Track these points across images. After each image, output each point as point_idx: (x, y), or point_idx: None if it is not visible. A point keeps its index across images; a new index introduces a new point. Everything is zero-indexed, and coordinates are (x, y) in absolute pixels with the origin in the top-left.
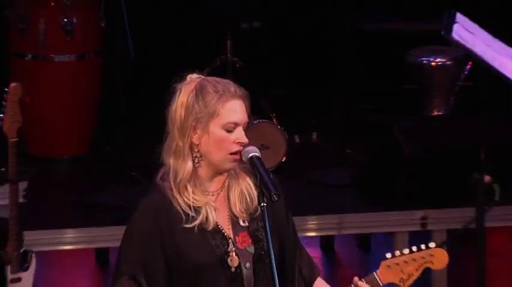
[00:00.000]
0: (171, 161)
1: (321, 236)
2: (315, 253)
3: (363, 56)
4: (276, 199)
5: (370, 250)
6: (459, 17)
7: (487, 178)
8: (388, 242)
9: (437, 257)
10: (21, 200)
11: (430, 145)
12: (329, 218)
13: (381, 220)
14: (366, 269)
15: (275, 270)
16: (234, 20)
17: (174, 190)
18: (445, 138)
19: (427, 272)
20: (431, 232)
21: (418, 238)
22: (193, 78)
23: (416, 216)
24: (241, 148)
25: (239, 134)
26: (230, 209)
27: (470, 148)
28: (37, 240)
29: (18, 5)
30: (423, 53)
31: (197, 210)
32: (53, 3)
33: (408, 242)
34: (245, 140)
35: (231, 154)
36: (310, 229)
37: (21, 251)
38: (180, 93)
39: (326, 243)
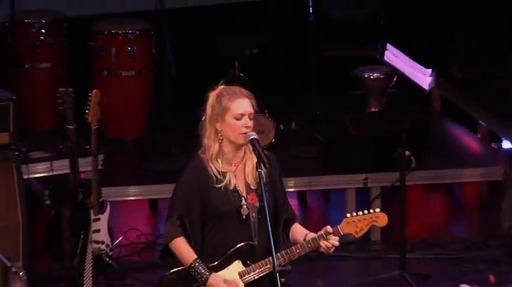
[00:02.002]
0: (205, 141)
1: (297, 191)
2: (293, 202)
3: (325, 73)
4: (268, 166)
5: (329, 200)
6: (389, 46)
7: (407, 153)
8: (341, 195)
9: (380, 218)
10: (99, 167)
11: (369, 130)
12: (302, 179)
13: (337, 180)
14: (327, 213)
15: (267, 215)
16: (240, 49)
17: (209, 160)
18: (379, 125)
19: None
20: (370, 188)
21: (361, 192)
22: (216, 89)
23: (360, 178)
24: (248, 129)
25: (245, 121)
26: (245, 177)
27: (396, 132)
28: (110, 193)
29: (98, 39)
30: (365, 69)
31: (223, 175)
32: (120, 37)
33: (355, 195)
34: (250, 124)
35: (241, 133)
36: (290, 186)
37: (100, 200)
38: (209, 99)
39: (300, 196)
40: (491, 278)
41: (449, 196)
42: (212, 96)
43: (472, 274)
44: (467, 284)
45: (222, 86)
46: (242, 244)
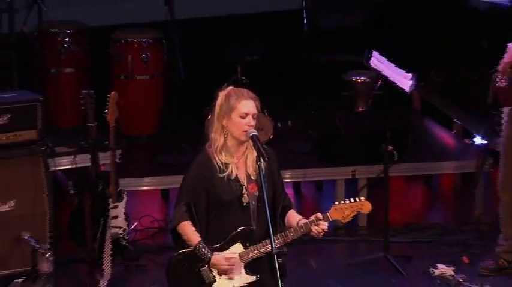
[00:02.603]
0: (212, 136)
1: (293, 182)
2: (289, 192)
3: (318, 77)
4: (267, 160)
5: (321, 190)
6: (374, 53)
7: (390, 148)
8: (332, 185)
9: (365, 206)
10: (117, 160)
11: (357, 128)
12: (298, 171)
13: (328, 172)
14: (319, 201)
15: (266, 203)
16: (242, 55)
17: (214, 152)
18: (366, 123)
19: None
20: (358, 179)
21: (350, 183)
22: (225, 89)
23: (348, 170)
24: (250, 128)
25: (249, 120)
26: (246, 168)
27: (380, 129)
28: (126, 184)
29: (116, 47)
30: (353, 74)
31: (227, 166)
32: (136, 45)
33: (344, 186)
34: (253, 123)
35: (244, 131)
36: (286, 177)
37: (117, 190)
38: (218, 97)
39: (296, 186)
40: (465, 259)
41: (428, 186)
42: (221, 95)
43: (448, 256)
44: (444, 264)
45: (231, 87)
46: (242, 228)
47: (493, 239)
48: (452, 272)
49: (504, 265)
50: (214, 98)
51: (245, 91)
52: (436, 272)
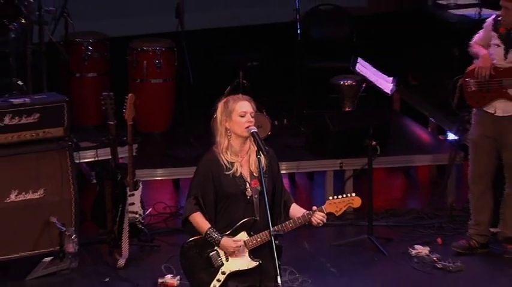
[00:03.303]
0: (217, 138)
1: (288, 173)
2: (285, 181)
3: (309, 81)
4: (265, 153)
5: (313, 180)
6: (359, 59)
7: (373, 143)
8: (322, 176)
9: (356, 201)
10: (134, 154)
11: (344, 125)
12: (292, 163)
13: (319, 164)
14: (311, 190)
15: (266, 197)
16: (243, 62)
17: (220, 153)
18: (352, 121)
19: None
20: (345, 170)
21: (338, 173)
22: (222, 99)
23: (337, 162)
24: (250, 124)
25: (247, 118)
26: (249, 166)
27: (364, 126)
28: (142, 174)
29: (133, 54)
30: (340, 78)
31: (232, 165)
32: (150, 53)
33: (333, 176)
34: (251, 120)
35: (245, 128)
36: (282, 169)
37: (134, 180)
38: (218, 107)
39: (291, 176)
40: (439, 240)
41: (406, 177)
42: (220, 104)
43: (424, 238)
44: (421, 245)
45: (227, 97)
46: (247, 219)
47: (463, 223)
48: (427, 252)
49: (476, 245)
50: (214, 109)
51: (240, 95)
52: (414, 252)
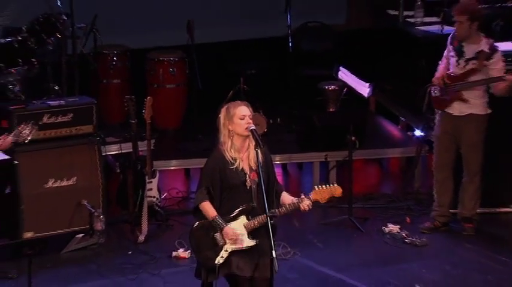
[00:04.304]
0: (222, 139)
1: (281, 163)
2: (278, 171)
3: (300, 86)
4: (262, 147)
5: (302, 169)
6: (341, 68)
7: (353, 138)
8: (310, 166)
9: (338, 190)
10: (152, 147)
11: (329, 123)
12: (285, 155)
13: (307, 156)
14: (301, 178)
15: (263, 186)
16: (244, 70)
17: (225, 150)
18: (335, 120)
19: None
20: (329, 162)
21: (323, 164)
22: (223, 106)
23: (322, 154)
24: (249, 125)
25: (246, 120)
26: (249, 162)
27: (346, 124)
28: (158, 165)
29: (151, 63)
30: (325, 83)
31: (235, 160)
32: (165, 62)
33: (319, 166)
34: (250, 122)
35: (245, 128)
36: (276, 160)
37: (152, 169)
38: (221, 112)
39: (283, 167)
40: (408, 219)
41: (380, 167)
42: (223, 110)
43: (395, 217)
44: (392, 224)
45: (228, 103)
46: (246, 205)
47: (428, 205)
48: (398, 230)
49: (438, 225)
50: (217, 114)
51: (238, 101)
52: (386, 229)
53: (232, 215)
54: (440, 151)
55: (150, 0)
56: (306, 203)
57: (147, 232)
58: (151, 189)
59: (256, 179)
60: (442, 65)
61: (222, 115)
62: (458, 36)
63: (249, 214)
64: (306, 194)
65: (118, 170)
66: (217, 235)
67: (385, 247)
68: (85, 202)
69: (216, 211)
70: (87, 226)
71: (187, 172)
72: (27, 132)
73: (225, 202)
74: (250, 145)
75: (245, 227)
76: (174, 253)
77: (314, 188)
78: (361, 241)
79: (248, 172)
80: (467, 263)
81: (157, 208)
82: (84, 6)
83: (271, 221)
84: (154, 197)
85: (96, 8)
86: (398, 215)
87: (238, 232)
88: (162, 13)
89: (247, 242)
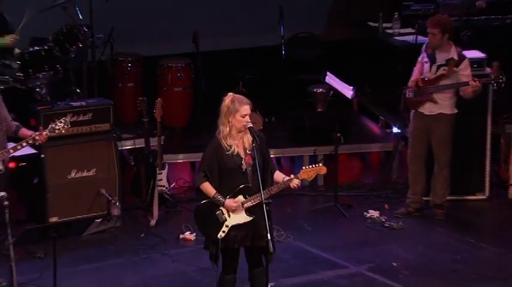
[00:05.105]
0: (221, 127)
1: (275, 157)
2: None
3: (292, 89)
4: (258, 142)
5: (294, 162)
6: (328, 73)
7: (338, 134)
8: (301, 159)
9: (322, 169)
10: (162, 143)
11: (317, 121)
12: (279, 149)
13: (298, 150)
14: (292, 169)
15: (259, 170)
16: (242, 74)
17: (222, 138)
18: (323, 119)
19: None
20: (317, 155)
21: (312, 157)
22: (229, 95)
23: (311, 149)
24: (248, 122)
25: (247, 118)
26: (244, 146)
27: (332, 122)
28: (168, 158)
29: (161, 69)
30: (314, 87)
31: (231, 146)
32: (173, 68)
33: (309, 159)
34: (249, 120)
35: (243, 125)
36: (271, 154)
37: (162, 162)
38: (224, 101)
39: (277, 159)
40: (386, 206)
41: (362, 160)
42: (227, 99)
43: (375, 204)
44: (373, 210)
45: (232, 94)
46: (242, 185)
47: (404, 193)
48: (378, 215)
49: (412, 211)
50: (221, 101)
51: (243, 98)
52: (368, 215)
53: (231, 194)
54: (414, 146)
55: (160, 13)
56: (295, 182)
57: (157, 217)
58: (161, 179)
59: (251, 162)
60: (416, 69)
61: (226, 104)
62: (432, 46)
63: (246, 193)
64: (296, 174)
65: (132, 163)
66: (219, 213)
67: (366, 230)
68: (103, 191)
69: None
70: (105, 212)
71: (192, 164)
72: (61, 126)
73: (224, 184)
74: (245, 133)
75: (243, 204)
76: (181, 236)
77: (302, 168)
78: (345, 225)
79: (243, 156)
80: (438, 244)
81: (166, 196)
82: (102, 19)
83: (267, 208)
84: (164, 186)
85: (113, 20)
86: (378, 203)
87: (238, 201)
88: (171, 25)
89: (245, 218)
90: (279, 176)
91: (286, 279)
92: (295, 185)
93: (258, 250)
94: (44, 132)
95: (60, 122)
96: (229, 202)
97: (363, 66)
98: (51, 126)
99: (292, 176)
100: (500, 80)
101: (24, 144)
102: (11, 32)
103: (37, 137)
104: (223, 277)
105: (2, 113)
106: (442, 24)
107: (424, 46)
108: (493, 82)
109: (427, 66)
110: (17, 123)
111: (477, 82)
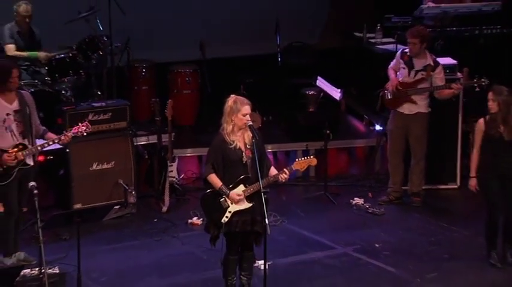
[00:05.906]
0: (224, 125)
1: (272, 151)
2: (270, 157)
3: (287, 91)
4: (258, 139)
5: (289, 156)
6: (319, 77)
7: (327, 131)
8: (294, 154)
9: (313, 161)
10: (172, 139)
11: (309, 120)
12: (275, 145)
13: (292, 146)
14: (287, 162)
15: (257, 164)
16: (243, 78)
17: (225, 134)
18: (314, 118)
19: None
20: (309, 150)
21: (305, 152)
22: (231, 97)
23: (304, 144)
24: (248, 121)
25: (247, 117)
26: (244, 142)
27: (322, 121)
28: (177, 152)
29: (171, 74)
30: (307, 89)
31: (233, 141)
32: (182, 73)
33: (302, 154)
34: (249, 119)
35: (244, 123)
36: (268, 149)
37: (172, 156)
38: (228, 101)
39: (274, 153)
40: (370, 195)
41: (349, 154)
42: (230, 100)
43: (360, 193)
44: (358, 198)
45: (235, 96)
46: (243, 176)
47: (385, 183)
48: (362, 202)
49: (392, 199)
50: (224, 101)
51: (244, 100)
52: (353, 202)
53: (234, 183)
54: (394, 142)
55: (171, 24)
56: (283, 176)
57: (168, 204)
58: (172, 171)
59: (251, 155)
60: (392, 74)
61: (229, 104)
62: (411, 54)
63: (246, 182)
64: (289, 166)
65: (146, 157)
66: (222, 200)
67: (352, 215)
68: (121, 181)
69: (220, 180)
70: (123, 200)
71: (200, 158)
72: (83, 129)
73: (228, 175)
74: (245, 130)
75: (243, 193)
76: (189, 221)
77: (296, 160)
78: (333, 211)
79: (244, 150)
80: (415, 228)
81: (176, 185)
82: (120, 30)
83: (265, 196)
84: (174, 177)
85: (129, 31)
86: (362, 191)
87: (241, 194)
88: (180, 35)
89: (246, 205)
90: (272, 171)
91: (282, 259)
92: (283, 179)
93: (253, 235)
94: (69, 133)
95: (83, 126)
96: (233, 195)
97: (349, 71)
98: (75, 129)
99: (284, 169)
100: (483, 83)
101: (50, 143)
102: (39, 43)
103: (62, 137)
104: (228, 257)
105: (33, 118)
106: (421, 35)
107: (399, 54)
108: (475, 85)
109: (404, 71)
110: (44, 127)
111: (459, 85)
